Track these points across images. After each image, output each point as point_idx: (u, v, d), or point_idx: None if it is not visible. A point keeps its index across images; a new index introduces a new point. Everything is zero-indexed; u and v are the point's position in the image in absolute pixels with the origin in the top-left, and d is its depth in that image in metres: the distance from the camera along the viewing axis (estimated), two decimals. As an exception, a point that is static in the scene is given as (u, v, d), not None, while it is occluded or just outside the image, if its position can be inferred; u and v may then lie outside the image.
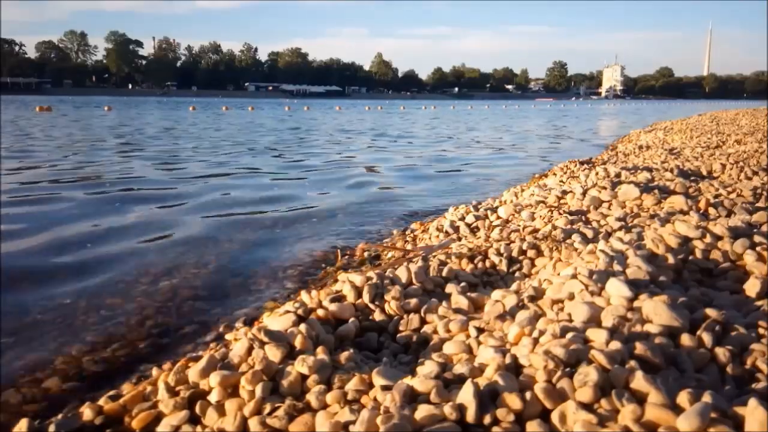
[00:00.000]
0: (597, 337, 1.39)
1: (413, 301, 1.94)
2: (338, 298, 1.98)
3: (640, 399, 1.17)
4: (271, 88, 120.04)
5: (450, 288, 2.13)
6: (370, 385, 1.38)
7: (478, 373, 1.36)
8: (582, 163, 6.01)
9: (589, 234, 2.65)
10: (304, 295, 2.04)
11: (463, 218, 3.54)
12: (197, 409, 1.41)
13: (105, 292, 2.74)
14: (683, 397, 1.15)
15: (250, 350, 1.55)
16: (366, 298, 1.97)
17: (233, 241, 3.75)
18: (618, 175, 4.21)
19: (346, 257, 3.28)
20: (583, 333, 1.43)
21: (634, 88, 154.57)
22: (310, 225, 4.31)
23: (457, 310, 1.90)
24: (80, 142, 11.29)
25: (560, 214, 3.14)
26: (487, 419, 1.18)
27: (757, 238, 2.10)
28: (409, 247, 3.36)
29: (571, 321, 1.55)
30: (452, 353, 1.56)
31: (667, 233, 2.21)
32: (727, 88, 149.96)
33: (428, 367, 1.43)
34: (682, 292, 1.75)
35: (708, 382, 1.29)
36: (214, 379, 1.45)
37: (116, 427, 1.44)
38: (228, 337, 2.15)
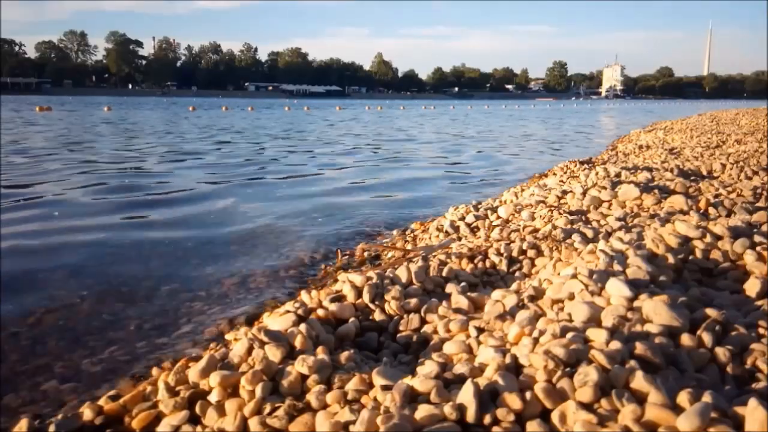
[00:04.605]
0: (597, 337, 1.39)
1: (413, 301, 1.94)
2: (338, 298, 1.98)
3: (640, 399, 1.17)
4: (271, 88, 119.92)
5: (450, 288, 2.13)
6: (370, 385, 1.38)
7: (478, 373, 1.36)
8: (582, 163, 6.00)
9: (589, 234, 2.65)
10: (304, 295, 2.04)
11: (463, 218, 3.54)
12: (197, 409, 1.41)
13: (106, 293, 2.74)
14: (683, 397, 1.15)
15: (250, 350, 1.55)
16: (366, 298, 1.97)
17: (233, 238, 3.75)
18: (618, 175, 4.21)
19: (347, 257, 3.28)
20: (583, 333, 1.43)
21: (635, 88, 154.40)
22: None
23: (457, 310, 1.90)
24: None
25: (560, 213, 3.14)
26: (487, 419, 1.18)
27: (757, 238, 2.10)
28: (409, 247, 3.36)
29: (571, 321, 1.55)
30: (452, 353, 1.56)
31: (667, 233, 2.21)
32: (727, 88, 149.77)
33: (428, 367, 1.43)
34: (682, 292, 1.75)
35: (708, 382, 1.29)
36: (214, 379, 1.45)
37: (116, 427, 1.44)
38: (228, 337, 2.14)
